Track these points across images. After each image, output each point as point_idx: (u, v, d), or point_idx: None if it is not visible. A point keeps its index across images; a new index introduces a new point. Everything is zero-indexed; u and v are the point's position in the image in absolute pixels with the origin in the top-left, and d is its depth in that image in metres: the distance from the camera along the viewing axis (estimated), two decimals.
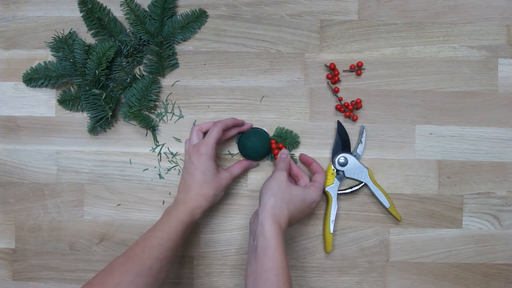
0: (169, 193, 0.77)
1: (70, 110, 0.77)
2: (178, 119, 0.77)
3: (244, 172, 0.75)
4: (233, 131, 0.74)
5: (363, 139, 0.75)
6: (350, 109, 0.75)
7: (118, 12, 0.76)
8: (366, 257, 0.76)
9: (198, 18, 0.76)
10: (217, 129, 0.68)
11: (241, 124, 0.74)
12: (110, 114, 0.74)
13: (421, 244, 0.76)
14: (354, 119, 0.75)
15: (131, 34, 0.76)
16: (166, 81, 0.77)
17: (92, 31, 0.76)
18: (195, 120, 0.77)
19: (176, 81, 0.77)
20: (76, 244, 0.77)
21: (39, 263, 0.77)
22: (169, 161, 0.77)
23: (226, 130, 0.71)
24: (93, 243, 0.77)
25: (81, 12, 0.75)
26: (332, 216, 0.73)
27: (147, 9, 0.76)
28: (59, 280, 0.77)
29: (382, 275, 0.76)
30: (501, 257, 0.76)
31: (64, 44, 0.75)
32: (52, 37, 0.75)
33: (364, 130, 0.75)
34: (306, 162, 0.74)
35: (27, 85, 0.76)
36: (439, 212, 0.76)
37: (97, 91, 0.73)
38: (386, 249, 0.76)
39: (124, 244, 0.77)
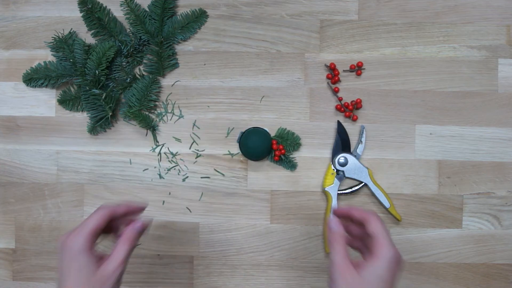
0: (169, 193, 0.77)
1: (70, 110, 0.77)
2: (178, 119, 0.77)
3: (132, 247, 0.53)
4: (127, 219, 0.57)
5: (363, 139, 0.75)
6: (350, 109, 0.75)
7: (118, 12, 0.76)
8: None
9: (198, 18, 0.76)
10: (98, 216, 0.52)
11: (138, 211, 0.57)
12: (110, 114, 0.74)
13: (421, 244, 0.76)
14: (354, 119, 0.75)
15: (131, 34, 0.76)
16: (166, 81, 0.77)
17: (92, 31, 0.76)
18: (195, 120, 0.77)
19: (176, 81, 0.77)
20: None
21: (39, 263, 0.77)
22: (169, 161, 0.77)
23: (115, 218, 0.54)
24: None
25: (81, 12, 0.75)
26: None
27: (147, 9, 0.76)
28: None
29: None
30: (501, 257, 0.76)
31: (64, 44, 0.75)
32: (52, 37, 0.75)
33: (364, 130, 0.75)
34: (344, 214, 0.56)
35: (27, 85, 0.76)
36: (439, 212, 0.76)
37: (97, 91, 0.73)
38: None
39: None
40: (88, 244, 0.50)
